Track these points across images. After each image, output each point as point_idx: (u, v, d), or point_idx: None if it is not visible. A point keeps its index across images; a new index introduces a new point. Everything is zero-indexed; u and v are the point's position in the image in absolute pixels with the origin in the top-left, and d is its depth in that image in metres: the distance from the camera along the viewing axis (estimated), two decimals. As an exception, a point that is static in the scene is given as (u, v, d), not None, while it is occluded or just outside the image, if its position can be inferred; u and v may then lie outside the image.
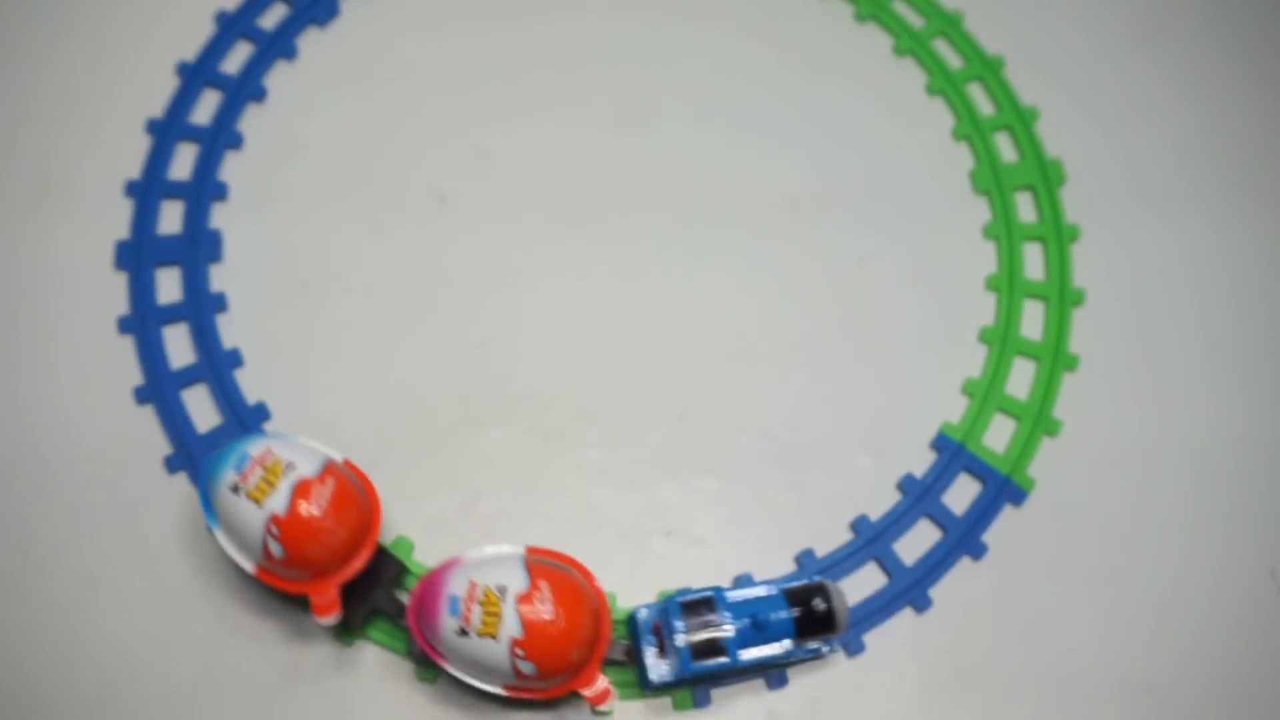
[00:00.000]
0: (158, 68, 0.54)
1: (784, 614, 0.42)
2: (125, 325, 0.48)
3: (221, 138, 0.52)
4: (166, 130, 0.52)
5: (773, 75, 0.57)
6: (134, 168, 0.52)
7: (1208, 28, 0.60)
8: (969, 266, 0.53)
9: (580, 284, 0.51)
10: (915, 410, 0.50)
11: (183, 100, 0.53)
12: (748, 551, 0.47)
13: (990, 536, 0.47)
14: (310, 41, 0.56)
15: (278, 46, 0.55)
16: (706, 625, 0.41)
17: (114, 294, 0.49)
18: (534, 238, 0.52)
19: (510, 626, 0.38)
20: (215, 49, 0.54)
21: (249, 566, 0.40)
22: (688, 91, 0.56)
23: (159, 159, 0.52)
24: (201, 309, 0.49)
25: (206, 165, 0.52)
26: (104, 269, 0.50)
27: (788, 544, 0.47)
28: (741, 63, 0.57)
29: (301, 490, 0.39)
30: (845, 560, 0.46)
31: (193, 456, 0.46)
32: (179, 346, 0.48)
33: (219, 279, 0.50)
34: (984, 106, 0.57)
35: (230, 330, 0.49)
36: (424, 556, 0.45)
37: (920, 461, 0.49)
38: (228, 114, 0.53)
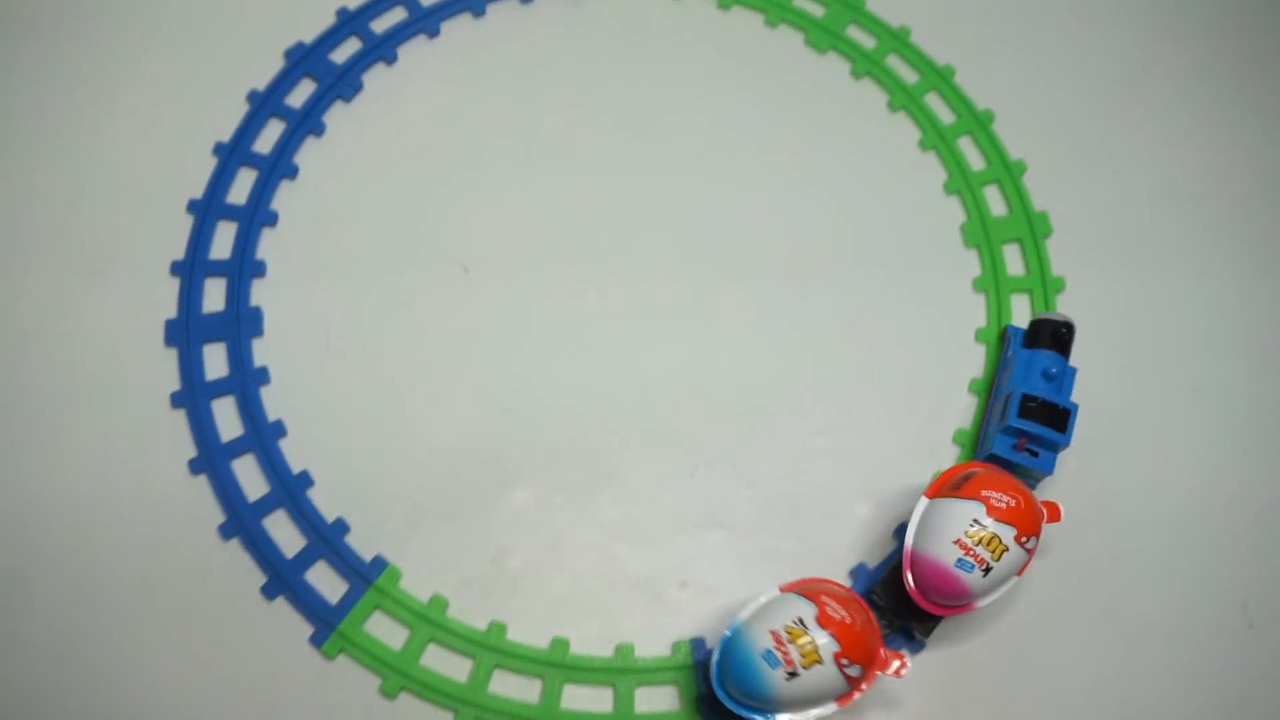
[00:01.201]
0: (196, 148, 0.58)
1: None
2: (177, 400, 0.52)
3: (258, 216, 0.56)
4: (207, 210, 0.56)
5: (773, 132, 0.60)
6: (178, 247, 0.55)
7: (1188, 80, 0.63)
8: (960, 319, 0.57)
9: (596, 346, 0.55)
10: (910, 459, 0.54)
11: (221, 180, 0.57)
12: (754, 599, 0.51)
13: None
14: (337, 117, 0.59)
15: (307, 124, 0.58)
16: None
17: (165, 369, 0.53)
18: (551, 303, 0.55)
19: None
20: (249, 128, 0.58)
21: (831, 709, 0.44)
22: (693, 153, 0.59)
23: (201, 238, 0.55)
24: (246, 382, 0.53)
25: (245, 243, 0.55)
26: (155, 345, 0.54)
27: (792, 592, 0.51)
28: (742, 121, 0.60)
29: (824, 620, 0.44)
30: (846, 606, 0.50)
31: (244, 524, 0.50)
32: (227, 418, 0.52)
33: (261, 353, 0.54)
34: (974, 160, 0.60)
35: (274, 401, 0.53)
36: (458, 613, 0.49)
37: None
38: (263, 192, 0.57)
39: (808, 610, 0.45)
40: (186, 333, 0.54)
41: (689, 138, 0.60)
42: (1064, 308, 0.57)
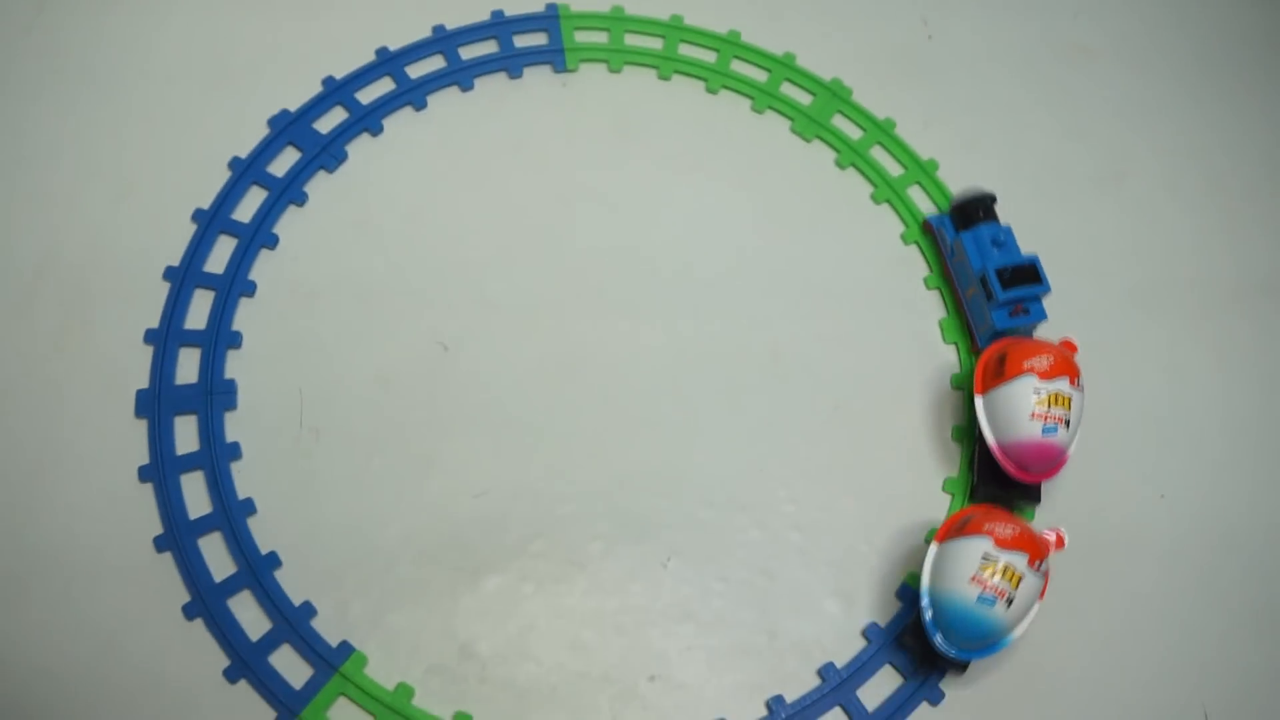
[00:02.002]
0: (176, 214, 0.57)
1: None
2: (145, 473, 0.52)
3: (236, 285, 0.56)
4: (184, 278, 0.56)
5: (757, 221, 0.61)
6: (153, 315, 0.55)
7: (1165, 181, 0.64)
8: (936, 416, 0.57)
9: (571, 433, 0.55)
10: (882, 557, 0.54)
11: (199, 247, 0.56)
12: (724, 696, 0.50)
13: (947, 683, 0.51)
14: (319, 187, 0.59)
15: (289, 193, 0.58)
16: None
17: (135, 441, 0.52)
18: (528, 386, 0.55)
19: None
20: (230, 195, 0.58)
21: (1037, 605, 0.49)
22: (676, 239, 0.60)
23: (177, 306, 0.55)
24: (217, 457, 0.52)
25: (222, 313, 0.55)
26: (125, 416, 0.53)
27: (760, 689, 0.51)
28: (727, 209, 0.61)
29: (1003, 543, 0.48)
30: (812, 706, 0.50)
31: (209, 605, 0.49)
32: (196, 494, 0.52)
33: (234, 427, 0.53)
34: (955, 255, 0.61)
35: (244, 478, 0.52)
36: (423, 702, 0.49)
37: (886, 609, 0.53)
38: (242, 261, 0.56)
39: (983, 543, 0.48)
40: (158, 404, 0.53)
41: (673, 220, 0.60)
42: (1038, 408, 0.57)
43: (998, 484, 0.53)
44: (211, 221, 0.57)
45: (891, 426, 0.56)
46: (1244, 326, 0.61)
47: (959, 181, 0.62)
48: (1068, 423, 0.51)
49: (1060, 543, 0.50)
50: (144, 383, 0.53)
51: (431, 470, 0.53)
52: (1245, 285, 0.62)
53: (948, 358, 0.58)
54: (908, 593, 0.53)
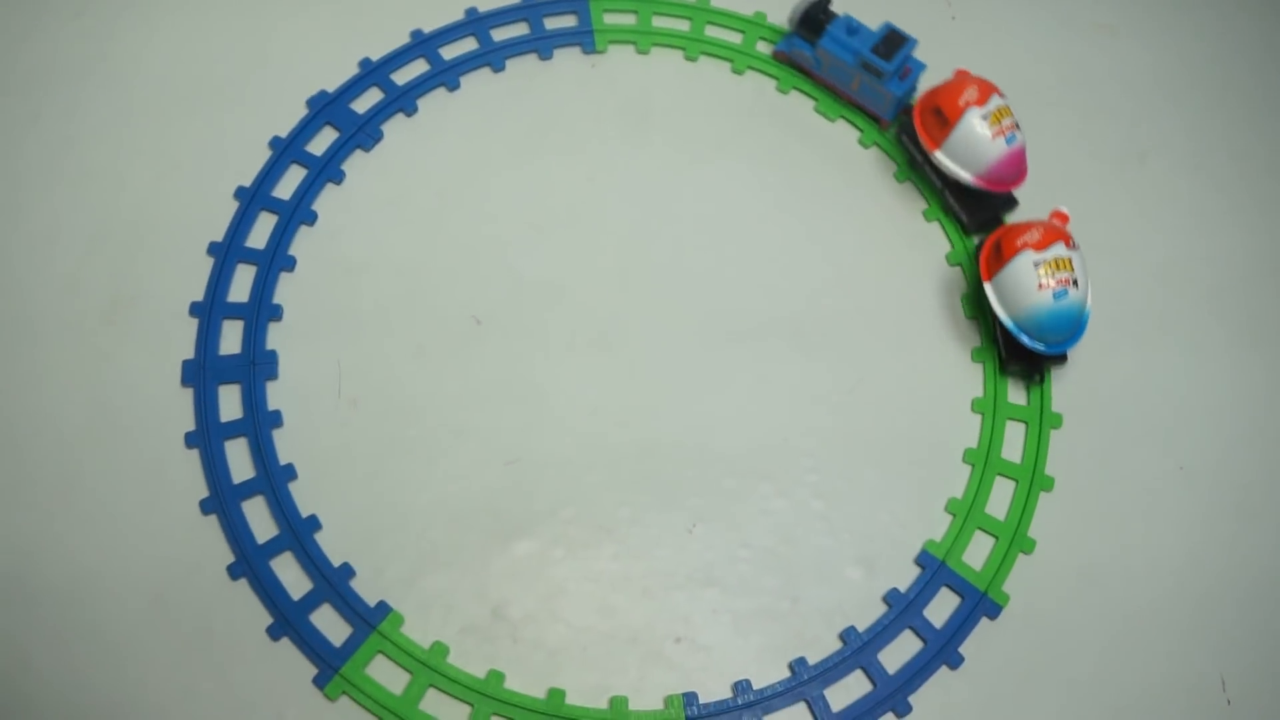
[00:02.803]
0: (219, 192, 0.59)
1: None
2: (191, 440, 0.54)
3: (277, 260, 0.58)
4: (227, 253, 0.58)
5: (782, 199, 0.62)
6: (198, 289, 0.57)
7: (1184, 162, 0.65)
8: (957, 389, 0.58)
9: (600, 402, 0.56)
10: (902, 526, 0.55)
11: (241, 224, 0.58)
12: (747, 658, 0.52)
13: (967, 648, 0.52)
14: (356, 166, 0.61)
15: (327, 171, 0.60)
16: None
17: (181, 409, 0.55)
18: (559, 359, 0.57)
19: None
20: (270, 174, 0.60)
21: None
22: (702, 216, 0.61)
23: (220, 281, 0.57)
24: (260, 425, 0.54)
25: (263, 287, 0.57)
26: (172, 385, 0.55)
27: (783, 652, 0.52)
28: (752, 184, 0.62)
29: (1049, 238, 0.54)
30: (834, 668, 0.52)
31: (253, 565, 0.51)
32: (240, 460, 0.54)
33: (275, 396, 0.55)
34: (977, 232, 0.62)
35: (285, 445, 0.54)
36: (457, 660, 0.51)
37: (905, 576, 0.54)
38: (282, 237, 0.58)
39: (1027, 257, 0.54)
40: (203, 374, 0.55)
41: (699, 198, 0.61)
42: (1060, 381, 0.58)
43: (1023, 359, 0.57)
44: (253, 199, 0.59)
45: (912, 399, 0.58)
46: (1265, 304, 0.62)
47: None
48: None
49: (1065, 217, 0.55)
50: (190, 353, 0.55)
51: (464, 439, 0.55)
52: (1266, 263, 0.63)
53: (969, 333, 0.59)
54: (927, 559, 0.54)
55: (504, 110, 0.63)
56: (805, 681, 0.51)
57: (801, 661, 0.52)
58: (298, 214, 0.59)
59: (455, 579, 0.52)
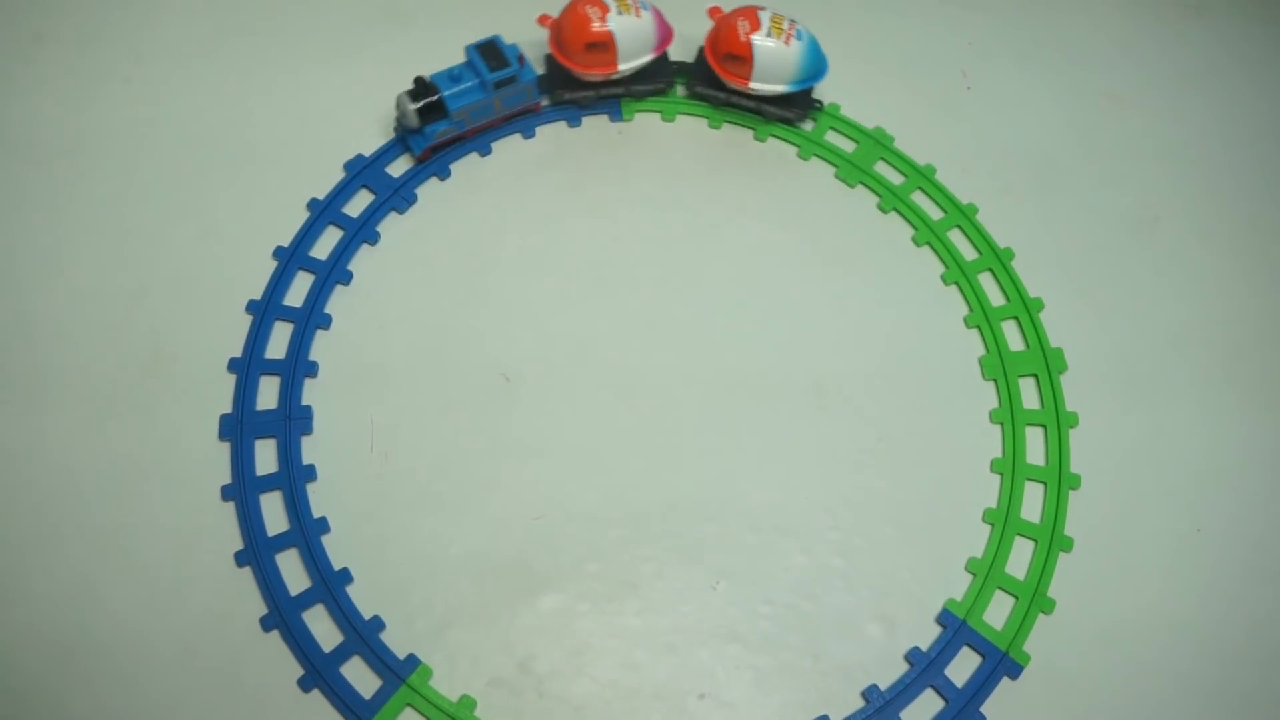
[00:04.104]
0: (258, 251, 0.61)
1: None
2: (228, 493, 0.55)
3: (313, 319, 0.59)
4: (265, 310, 0.59)
5: (802, 262, 0.64)
6: (236, 346, 0.59)
7: (1196, 227, 0.66)
8: (976, 449, 0.59)
9: (626, 460, 0.57)
10: (922, 584, 0.56)
11: (279, 282, 0.60)
12: (770, 715, 0.52)
13: (988, 707, 0.53)
14: (391, 227, 0.63)
15: (363, 233, 0.62)
16: None
17: (218, 462, 0.56)
18: (585, 416, 0.58)
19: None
20: (308, 234, 0.62)
21: None
22: (725, 277, 0.63)
23: (258, 338, 0.59)
24: (294, 479, 0.55)
25: (300, 344, 0.59)
26: (209, 439, 0.56)
27: (806, 708, 0.53)
28: (774, 250, 0.64)
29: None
30: (857, 726, 0.52)
31: (285, 617, 0.52)
32: (274, 513, 0.55)
33: (310, 451, 0.56)
34: (994, 295, 0.63)
35: (319, 498, 0.55)
36: (485, 714, 0.51)
37: (926, 634, 0.55)
38: (319, 295, 0.60)
39: (747, 27, 0.64)
40: (240, 428, 0.56)
41: (722, 259, 0.63)
42: (1077, 441, 0.59)
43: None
44: (291, 258, 0.61)
45: (931, 458, 0.59)
46: (1278, 366, 0.63)
47: (998, 225, 0.65)
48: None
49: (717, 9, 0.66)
50: (227, 408, 0.57)
51: (493, 493, 0.56)
52: (1278, 327, 0.64)
53: (986, 393, 0.61)
54: (948, 618, 0.54)
55: (533, 174, 0.65)
56: (825, 732, 0.52)
57: (825, 719, 0.52)
58: (334, 273, 0.61)
59: (483, 632, 0.53)
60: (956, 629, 0.54)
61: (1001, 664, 0.54)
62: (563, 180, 0.65)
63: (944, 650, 0.54)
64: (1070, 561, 0.56)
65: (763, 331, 0.61)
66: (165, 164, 0.64)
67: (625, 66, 0.64)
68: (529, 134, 0.66)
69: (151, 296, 0.60)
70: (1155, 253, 0.66)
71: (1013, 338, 0.62)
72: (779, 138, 0.67)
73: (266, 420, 0.57)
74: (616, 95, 0.67)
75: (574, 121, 0.67)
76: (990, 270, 0.64)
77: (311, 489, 0.56)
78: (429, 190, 0.64)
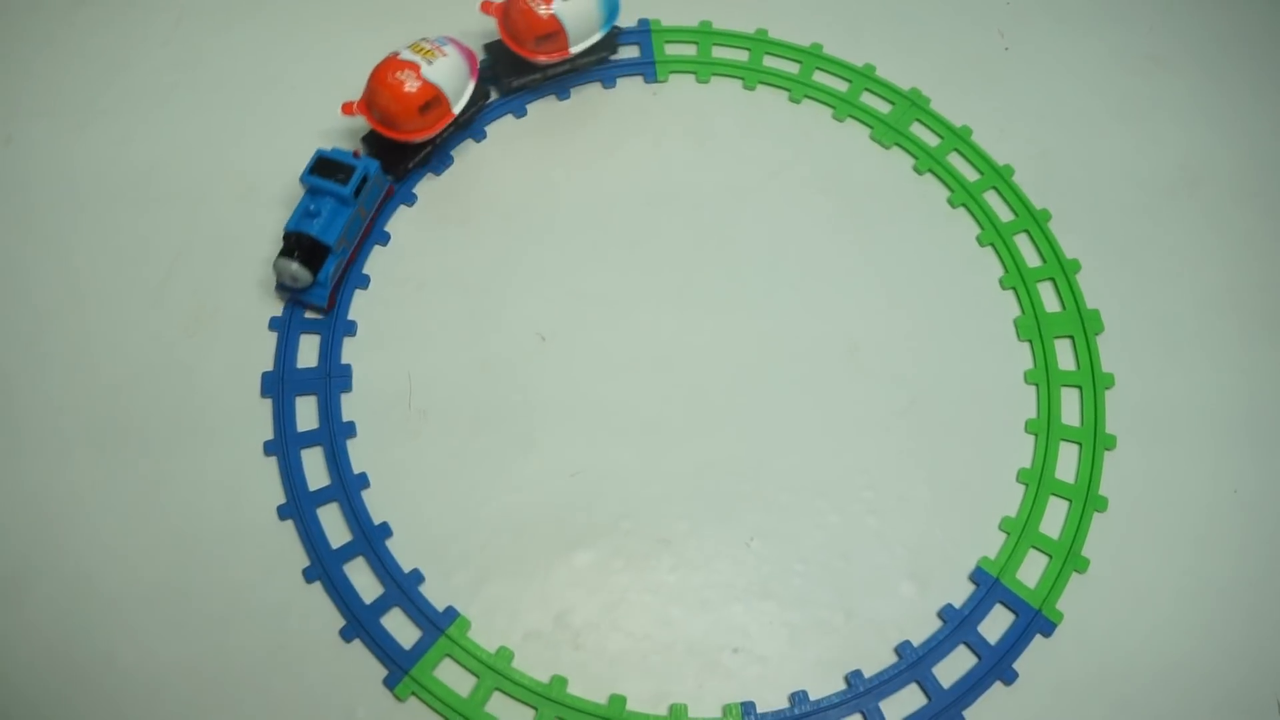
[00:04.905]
0: (297, 212, 0.62)
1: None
2: (270, 448, 0.56)
3: (352, 278, 0.60)
4: (305, 270, 0.60)
5: (837, 224, 0.64)
6: (277, 305, 0.59)
7: (1236, 188, 0.66)
8: (1010, 410, 0.59)
9: (661, 419, 0.58)
10: (956, 543, 0.56)
11: (319, 243, 0.61)
12: (803, 669, 0.53)
13: (1021, 664, 0.53)
14: (428, 189, 0.63)
15: (400, 194, 0.63)
16: None
17: (260, 419, 0.57)
18: (620, 375, 0.59)
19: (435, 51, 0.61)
20: (346, 196, 0.62)
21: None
22: (759, 239, 0.63)
23: (298, 297, 0.59)
24: (335, 435, 0.56)
25: (339, 303, 0.59)
26: (252, 396, 0.57)
27: (838, 664, 0.53)
28: (808, 209, 0.64)
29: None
30: (890, 682, 0.53)
31: (327, 569, 0.53)
32: (315, 468, 0.56)
33: (349, 408, 0.57)
34: (1030, 257, 0.63)
35: (358, 454, 0.56)
36: (522, 665, 0.52)
37: (960, 592, 0.55)
38: (358, 257, 0.61)
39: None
40: (281, 385, 0.57)
41: (757, 221, 0.63)
42: (1114, 403, 0.59)
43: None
44: (329, 219, 0.61)
45: (966, 419, 0.59)
46: (1318, 329, 0.62)
47: (1035, 186, 0.65)
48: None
49: None
50: (269, 366, 0.58)
51: (529, 451, 0.57)
52: (1320, 289, 0.64)
53: (1021, 354, 0.60)
54: (981, 576, 0.55)
55: (568, 136, 0.65)
56: (861, 694, 0.52)
57: (857, 674, 0.53)
58: (372, 235, 0.61)
59: (520, 586, 0.54)
60: (990, 587, 0.55)
61: (1034, 622, 0.54)
62: (597, 142, 0.65)
63: (977, 607, 0.54)
64: (1105, 521, 0.56)
65: (797, 292, 0.62)
66: (205, 125, 0.65)
67: (577, 49, 0.63)
68: (564, 95, 0.66)
69: (193, 257, 0.61)
70: (1194, 215, 0.66)
71: (1049, 299, 0.62)
72: (814, 99, 0.67)
73: (307, 378, 0.58)
74: (563, 73, 0.66)
75: (608, 83, 0.67)
76: (1027, 231, 0.63)
77: (351, 445, 0.57)
78: (465, 152, 0.65)
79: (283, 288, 0.59)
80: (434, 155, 0.64)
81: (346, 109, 0.60)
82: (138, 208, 0.62)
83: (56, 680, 0.51)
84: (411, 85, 0.59)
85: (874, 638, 0.54)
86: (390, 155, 0.62)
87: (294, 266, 0.56)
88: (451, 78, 0.60)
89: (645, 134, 0.66)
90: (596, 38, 0.64)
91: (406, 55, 0.60)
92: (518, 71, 0.65)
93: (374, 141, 0.62)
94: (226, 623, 0.52)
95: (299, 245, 0.56)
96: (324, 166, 0.57)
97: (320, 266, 0.57)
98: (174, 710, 0.51)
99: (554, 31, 0.62)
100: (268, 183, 0.63)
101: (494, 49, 0.66)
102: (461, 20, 0.67)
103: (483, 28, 0.67)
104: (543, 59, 0.63)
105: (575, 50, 0.63)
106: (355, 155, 0.58)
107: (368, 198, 0.59)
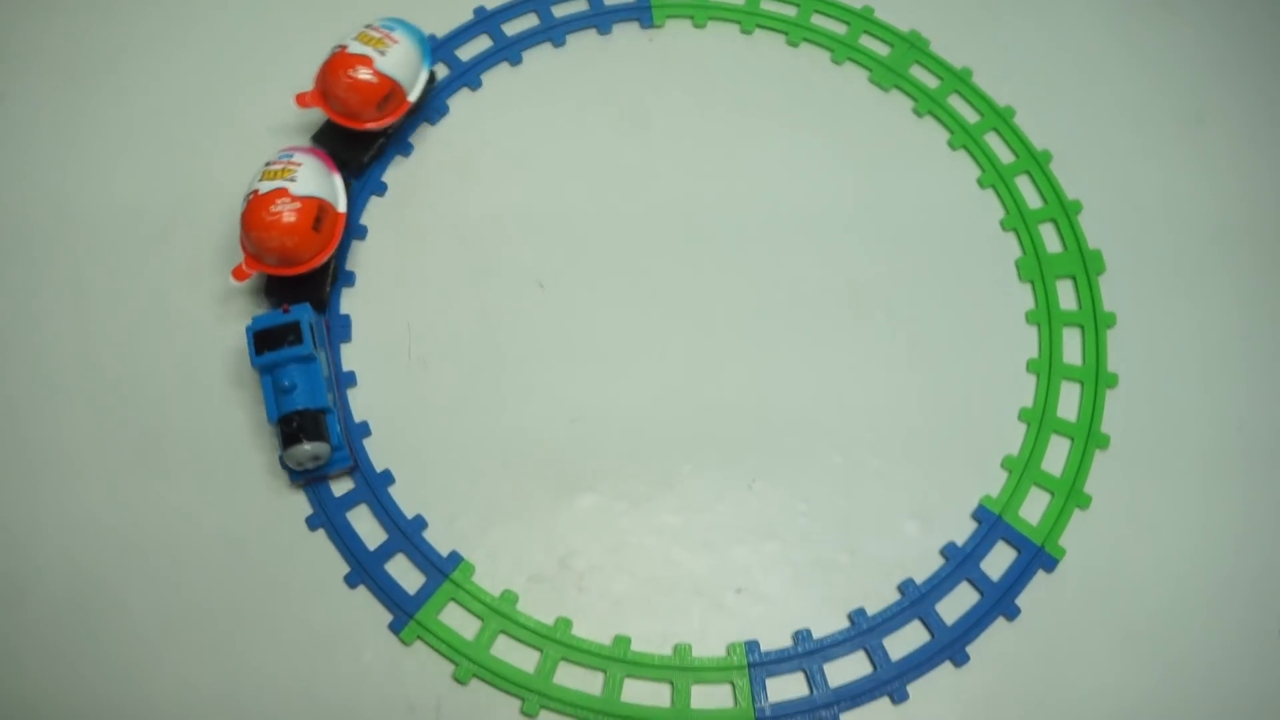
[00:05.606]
0: (293, 164, 0.61)
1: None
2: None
3: (350, 229, 0.60)
4: (302, 222, 0.60)
5: (837, 167, 0.63)
6: (275, 256, 0.59)
7: (1243, 126, 0.65)
8: (1012, 350, 0.59)
9: (661, 363, 0.58)
10: (958, 483, 0.56)
11: (315, 194, 0.60)
12: (807, 608, 0.53)
13: (1023, 600, 0.53)
14: (424, 139, 0.63)
15: (395, 144, 0.62)
16: None
17: (260, 370, 0.57)
18: (621, 320, 0.59)
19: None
20: (342, 147, 0.62)
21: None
22: (759, 184, 0.62)
23: (296, 248, 0.59)
24: (336, 384, 0.56)
25: (338, 255, 0.59)
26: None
27: (842, 603, 0.53)
28: (807, 154, 0.63)
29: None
30: (893, 619, 0.53)
31: (330, 517, 0.53)
32: (317, 418, 0.56)
33: (349, 358, 0.57)
34: (1031, 198, 0.62)
35: (359, 403, 0.56)
36: (527, 608, 0.52)
37: (962, 530, 0.55)
38: (355, 208, 0.60)
39: (358, 49, 0.58)
40: (281, 336, 0.57)
41: (756, 167, 0.63)
42: (1115, 341, 0.59)
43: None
44: (326, 170, 0.61)
45: (967, 360, 0.59)
46: (1322, 265, 0.62)
47: (1035, 130, 0.64)
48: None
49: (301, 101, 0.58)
50: (267, 317, 0.58)
51: (530, 397, 0.57)
52: (1324, 226, 0.63)
53: (1023, 295, 0.60)
54: (984, 514, 0.55)
55: (564, 83, 0.65)
56: (864, 631, 0.52)
57: (860, 612, 0.53)
58: (368, 185, 0.61)
59: (523, 531, 0.54)
60: (992, 524, 0.55)
61: (1037, 558, 0.54)
62: (594, 88, 0.65)
63: (979, 545, 0.54)
64: (1107, 459, 0.56)
65: (798, 235, 0.61)
66: (203, 80, 0.64)
67: (415, 94, 0.60)
68: (559, 42, 0.66)
69: (192, 211, 0.61)
70: (1197, 155, 0.65)
71: (1050, 240, 0.62)
72: (812, 42, 0.67)
73: (307, 328, 0.57)
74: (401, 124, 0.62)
75: (604, 29, 0.66)
76: (1028, 173, 0.63)
77: (352, 394, 0.57)
78: (460, 101, 0.64)
79: (302, 475, 0.53)
80: (389, 146, 0.62)
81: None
82: (135, 162, 0.62)
83: (67, 624, 0.51)
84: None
85: (877, 576, 0.54)
86: (346, 150, 0.60)
87: (307, 448, 0.51)
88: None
89: (642, 79, 0.65)
90: (424, 74, 0.60)
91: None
92: (362, 147, 0.60)
93: (329, 135, 0.60)
94: (232, 570, 0.53)
95: (301, 426, 0.51)
96: (266, 339, 0.52)
97: (327, 431, 0.52)
98: (181, 658, 0.51)
99: (390, 90, 0.58)
100: (267, 136, 0.63)
101: (325, 136, 0.60)
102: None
103: (302, 121, 0.62)
104: (389, 120, 0.59)
105: (414, 97, 0.60)
106: (285, 310, 0.53)
107: (320, 340, 0.55)
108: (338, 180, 0.58)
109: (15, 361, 0.57)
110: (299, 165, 0.55)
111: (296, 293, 0.56)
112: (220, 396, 0.56)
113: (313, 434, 0.51)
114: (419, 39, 0.60)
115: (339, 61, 0.57)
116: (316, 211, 0.54)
